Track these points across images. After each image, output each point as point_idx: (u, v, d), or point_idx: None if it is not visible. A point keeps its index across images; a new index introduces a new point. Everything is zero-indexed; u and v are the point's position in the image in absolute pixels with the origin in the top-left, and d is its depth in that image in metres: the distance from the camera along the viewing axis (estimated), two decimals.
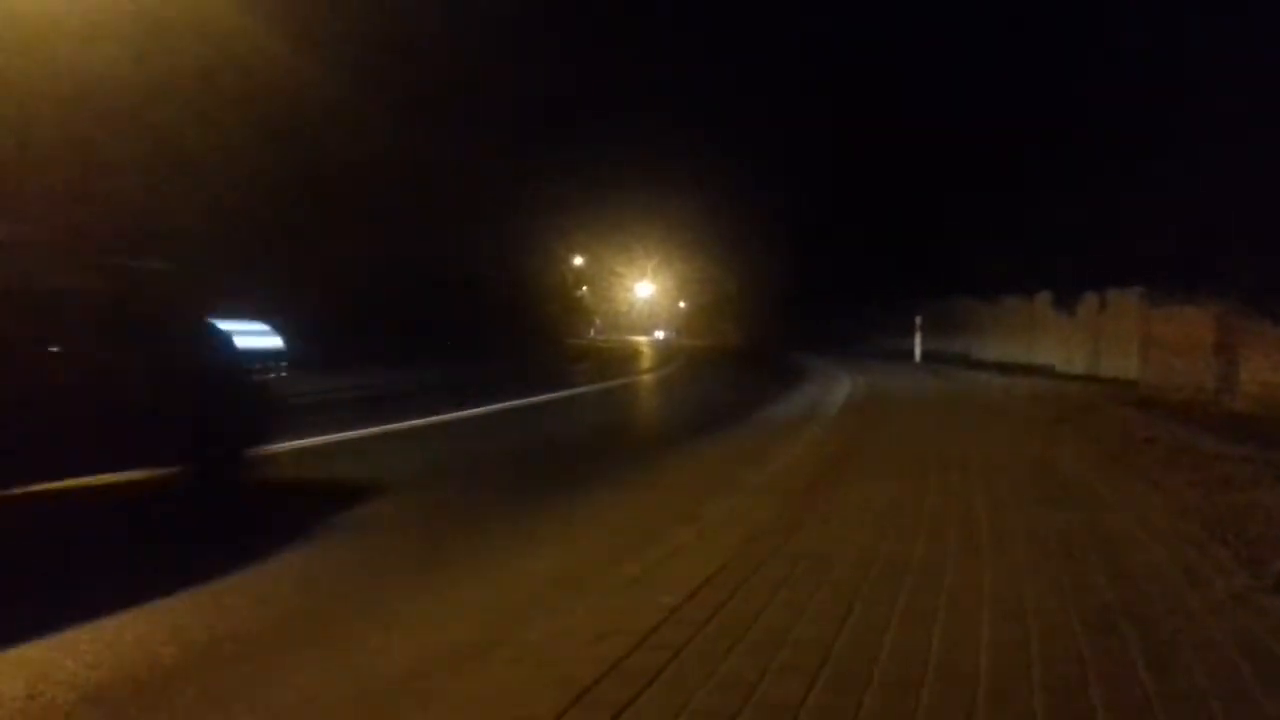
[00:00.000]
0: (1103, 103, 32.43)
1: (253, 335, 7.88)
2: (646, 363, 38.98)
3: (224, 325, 7.45)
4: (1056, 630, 4.08)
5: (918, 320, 32.60)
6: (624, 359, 41.59)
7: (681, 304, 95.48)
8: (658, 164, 55.94)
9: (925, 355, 31.85)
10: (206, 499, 7.09)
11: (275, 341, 8.15)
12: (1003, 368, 25.86)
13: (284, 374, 8.05)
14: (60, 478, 6.48)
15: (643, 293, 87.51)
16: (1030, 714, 3.22)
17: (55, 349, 6.16)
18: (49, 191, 17.42)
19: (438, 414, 13.69)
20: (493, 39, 33.35)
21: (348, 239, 25.85)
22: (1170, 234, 25.66)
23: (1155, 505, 6.81)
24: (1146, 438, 10.63)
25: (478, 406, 14.93)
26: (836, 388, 20.12)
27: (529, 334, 35.84)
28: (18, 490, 6.08)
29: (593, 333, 65.63)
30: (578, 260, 63.07)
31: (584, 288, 68.62)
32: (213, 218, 20.60)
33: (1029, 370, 24.30)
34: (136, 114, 19.04)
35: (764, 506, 6.87)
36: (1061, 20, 37.02)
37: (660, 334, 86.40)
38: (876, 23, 47.18)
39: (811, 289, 53.13)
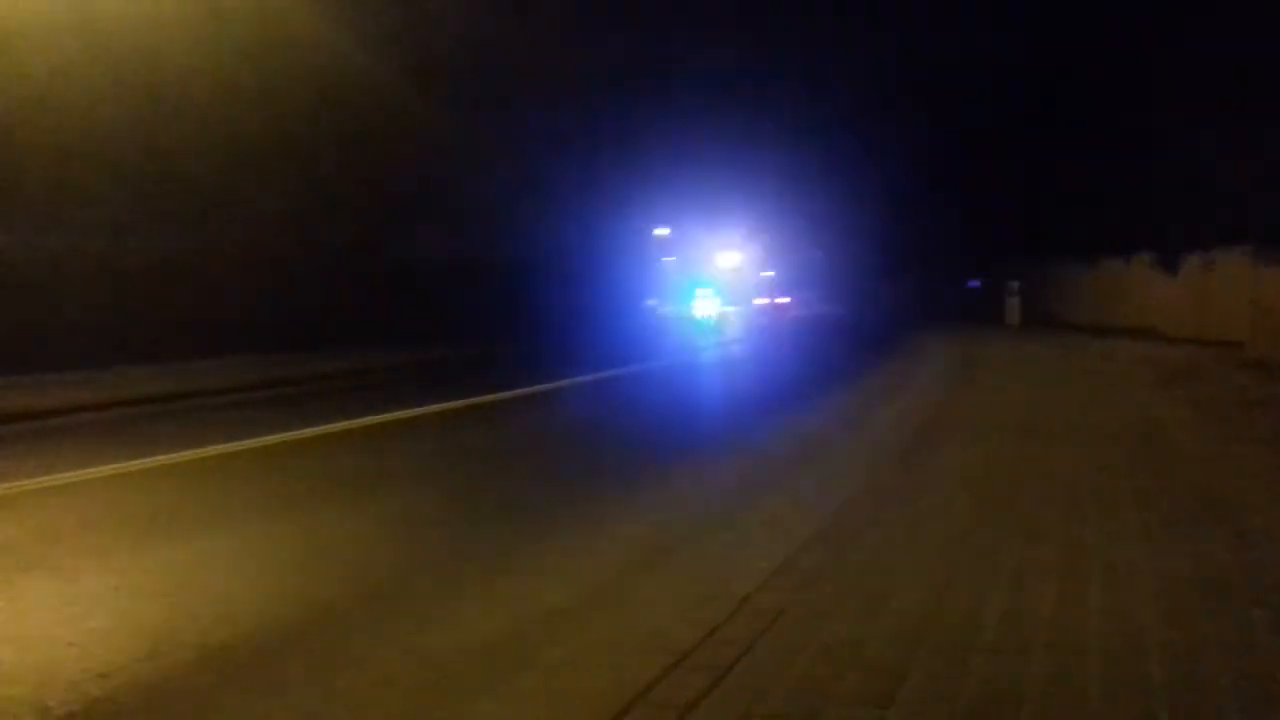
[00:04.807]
0: (1203, 59, 31.05)
1: None
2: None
3: None
4: (1171, 595, 3.95)
5: (1014, 284, 31.86)
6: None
7: (768, 273, 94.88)
8: (745, 133, 55.26)
9: (1022, 319, 31.11)
10: None
11: None
12: (1102, 331, 25.10)
13: None
14: None
15: (728, 262, 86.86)
16: (1146, 680, 3.13)
17: None
18: (118, 174, 17.94)
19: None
20: (575, 10, 33.21)
21: (411, 221, 26.18)
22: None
23: (1270, 467, 6.55)
24: (1257, 400, 10.24)
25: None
26: (931, 353, 19.79)
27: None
28: None
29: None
30: (663, 230, 62.70)
31: (669, 257, 68.27)
32: (272, 201, 21.00)
33: (1130, 333, 23.54)
34: (202, 109, 19.40)
35: (860, 471, 6.80)
36: None
37: (761, 300, 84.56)
38: None
39: (903, 255, 52.19)
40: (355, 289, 24.07)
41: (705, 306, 64.74)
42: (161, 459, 8.16)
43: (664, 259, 65.42)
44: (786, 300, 73.56)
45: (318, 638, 4.11)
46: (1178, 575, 4.21)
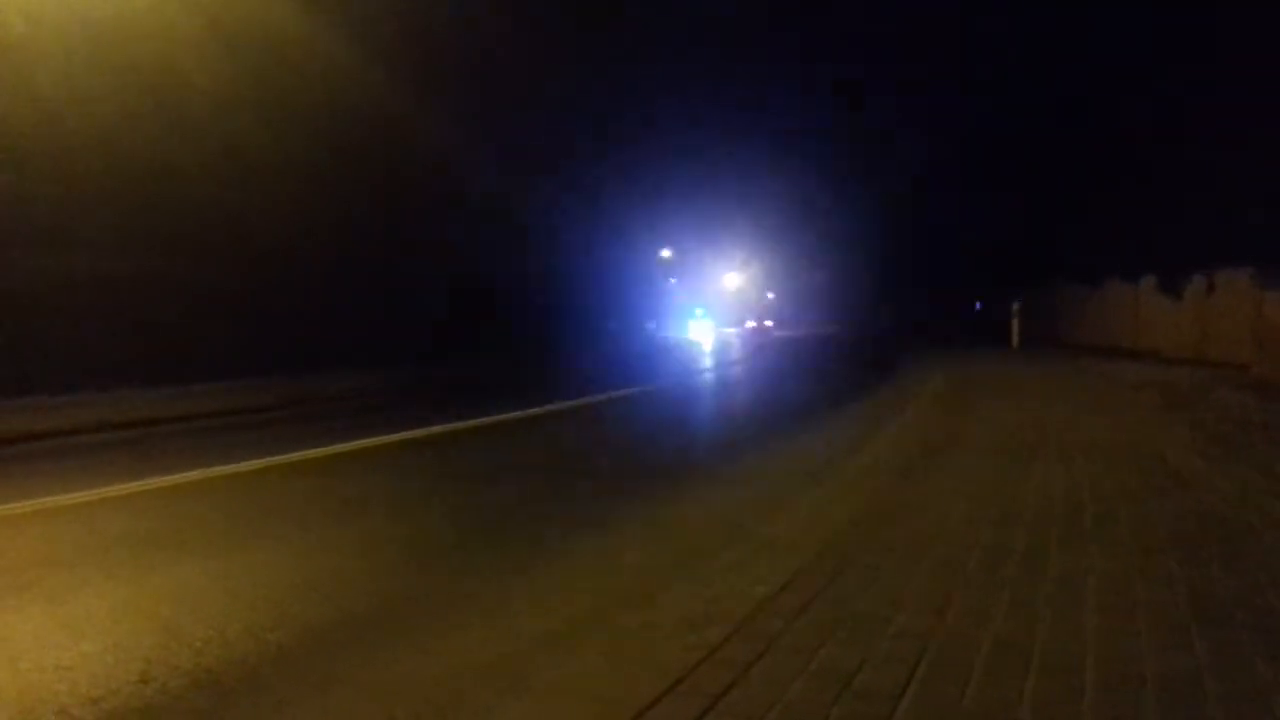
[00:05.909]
0: (1209, 82, 31.22)
1: None
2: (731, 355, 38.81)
3: None
4: (1168, 622, 3.92)
5: (1014, 306, 31.87)
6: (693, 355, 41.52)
7: (770, 295, 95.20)
8: (746, 156, 55.58)
9: (1024, 341, 31.08)
10: None
11: None
12: (1106, 353, 25.05)
13: None
14: None
15: (731, 284, 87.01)
16: (1140, 707, 3.10)
17: None
18: (124, 193, 18.00)
19: None
20: (577, 32, 33.44)
21: (414, 242, 26.26)
22: None
23: (1272, 492, 6.51)
24: (1261, 423, 10.19)
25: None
26: (931, 374, 19.73)
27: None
28: None
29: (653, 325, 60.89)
30: (665, 253, 62.83)
31: (672, 280, 68.38)
32: (276, 222, 21.08)
33: (1134, 355, 23.51)
34: (206, 122, 19.51)
35: (859, 493, 6.77)
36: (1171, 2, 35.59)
37: (751, 324, 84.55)
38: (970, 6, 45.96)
39: (902, 277, 52.34)
40: (360, 310, 24.11)
41: (702, 329, 64.70)
42: (160, 481, 8.15)
43: (666, 281, 65.33)
44: (785, 322, 73.69)
45: (312, 660, 4.09)
46: (1166, 599, 4.18)
